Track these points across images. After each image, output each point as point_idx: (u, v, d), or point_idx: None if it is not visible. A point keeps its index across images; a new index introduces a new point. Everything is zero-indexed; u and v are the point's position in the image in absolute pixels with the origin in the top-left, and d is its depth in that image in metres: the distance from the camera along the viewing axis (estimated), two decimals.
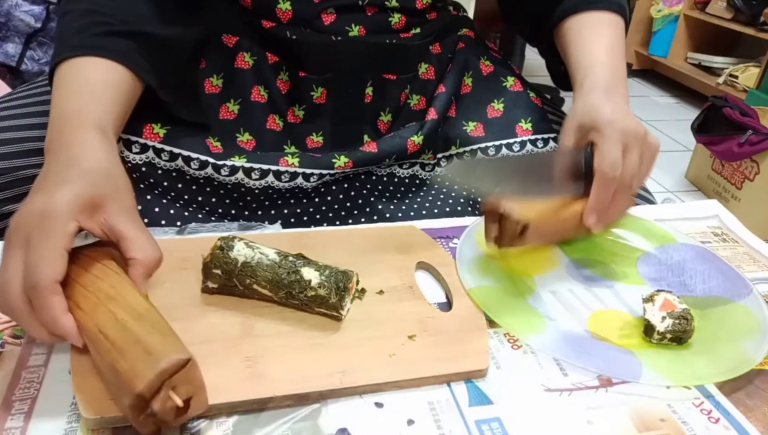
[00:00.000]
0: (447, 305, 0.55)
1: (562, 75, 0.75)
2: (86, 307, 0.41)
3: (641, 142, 0.57)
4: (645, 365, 0.47)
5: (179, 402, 0.37)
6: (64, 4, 0.60)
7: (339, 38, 0.69)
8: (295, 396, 0.43)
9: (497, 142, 0.76)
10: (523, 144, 0.77)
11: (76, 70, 0.54)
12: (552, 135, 0.77)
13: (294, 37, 0.69)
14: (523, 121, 0.78)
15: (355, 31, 0.70)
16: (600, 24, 0.69)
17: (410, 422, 0.42)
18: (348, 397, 0.44)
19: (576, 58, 0.67)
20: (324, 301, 0.49)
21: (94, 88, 0.53)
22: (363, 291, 0.54)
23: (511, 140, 0.77)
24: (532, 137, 0.77)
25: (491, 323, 0.52)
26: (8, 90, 1.43)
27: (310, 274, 0.49)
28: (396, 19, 0.71)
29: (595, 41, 0.67)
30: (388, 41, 0.72)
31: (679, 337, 0.50)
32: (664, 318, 0.51)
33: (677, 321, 0.50)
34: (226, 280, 0.50)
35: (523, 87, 0.80)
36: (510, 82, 0.80)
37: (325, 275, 0.49)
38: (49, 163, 0.46)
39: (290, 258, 0.50)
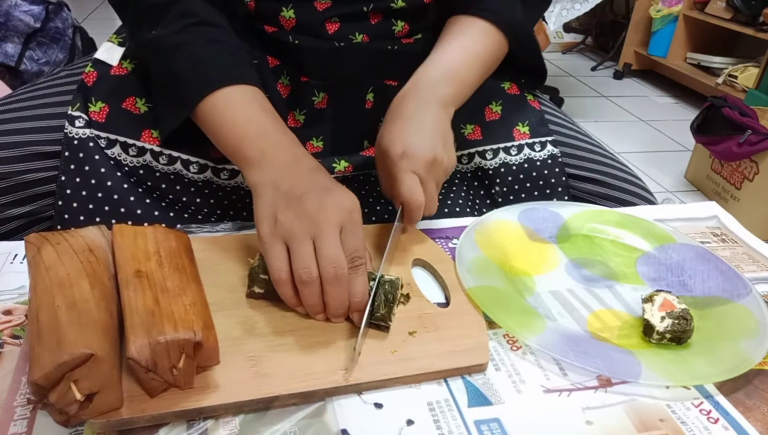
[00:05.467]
0: (445, 302, 0.55)
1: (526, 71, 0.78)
2: (39, 288, 0.42)
3: (431, 169, 0.59)
4: (644, 365, 0.47)
5: (78, 395, 0.37)
6: (172, 32, 0.60)
7: (342, 44, 0.69)
8: (300, 394, 0.43)
9: (494, 146, 0.76)
10: (520, 148, 0.76)
11: (246, 95, 0.59)
12: (550, 138, 0.77)
13: (296, 42, 0.68)
14: (520, 124, 0.77)
15: (359, 39, 0.70)
16: (469, 28, 0.69)
17: (410, 422, 0.43)
18: (348, 398, 0.44)
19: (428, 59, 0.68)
20: (372, 313, 0.49)
21: (270, 108, 0.60)
22: (408, 296, 0.53)
23: (508, 144, 0.76)
24: (530, 141, 0.77)
25: (491, 324, 0.52)
26: (7, 90, 1.43)
27: None
28: (399, 27, 0.71)
29: (451, 43, 0.68)
30: (390, 47, 0.72)
31: (679, 337, 0.51)
32: (663, 318, 0.51)
33: (676, 321, 0.50)
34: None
35: (520, 90, 0.80)
36: (507, 85, 0.80)
37: (372, 287, 0.49)
38: (276, 164, 0.54)
39: None
